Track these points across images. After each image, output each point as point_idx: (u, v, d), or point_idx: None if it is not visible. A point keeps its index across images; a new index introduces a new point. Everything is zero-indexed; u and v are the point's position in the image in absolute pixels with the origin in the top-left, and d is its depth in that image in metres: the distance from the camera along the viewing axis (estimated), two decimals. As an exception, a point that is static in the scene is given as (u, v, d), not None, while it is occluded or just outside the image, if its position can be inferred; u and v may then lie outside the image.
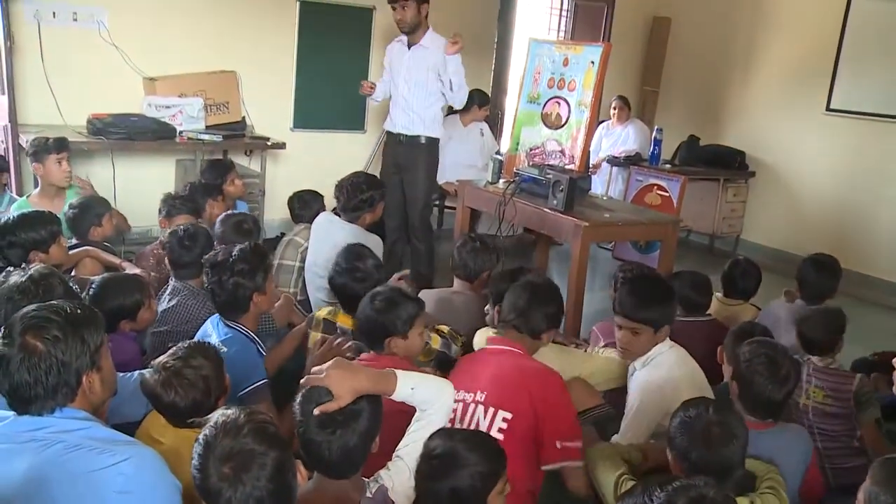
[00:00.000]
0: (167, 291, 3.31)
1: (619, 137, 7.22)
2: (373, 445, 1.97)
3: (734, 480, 2.12)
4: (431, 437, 1.99)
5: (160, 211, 4.03)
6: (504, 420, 2.40)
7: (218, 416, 1.68)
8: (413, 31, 4.89)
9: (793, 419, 2.97)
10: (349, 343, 2.88)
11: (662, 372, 2.79)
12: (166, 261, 3.43)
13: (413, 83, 4.95)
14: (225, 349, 2.66)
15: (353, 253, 3.26)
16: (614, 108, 7.28)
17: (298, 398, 1.95)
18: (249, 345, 2.76)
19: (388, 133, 5.18)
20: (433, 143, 5.08)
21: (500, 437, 2.33)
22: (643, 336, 2.85)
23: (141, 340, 3.10)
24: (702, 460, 2.07)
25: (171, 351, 2.25)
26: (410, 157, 5.02)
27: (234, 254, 2.81)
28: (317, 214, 4.26)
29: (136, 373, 2.46)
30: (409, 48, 4.95)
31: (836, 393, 3.01)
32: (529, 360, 2.63)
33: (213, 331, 2.80)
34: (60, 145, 4.25)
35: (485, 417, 2.42)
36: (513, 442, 2.32)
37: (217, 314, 2.85)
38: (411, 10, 4.80)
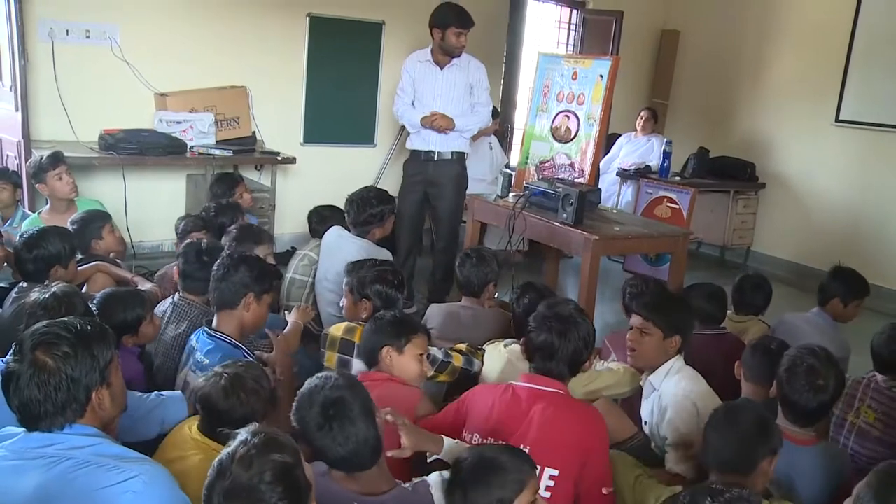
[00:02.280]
0: (169, 311, 3.21)
1: (641, 147, 7.23)
2: (380, 428, 2.01)
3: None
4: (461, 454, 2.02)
5: (177, 231, 4.03)
6: (551, 478, 2.30)
7: (241, 439, 1.62)
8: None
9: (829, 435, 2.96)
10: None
11: (689, 385, 2.77)
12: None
13: (450, 102, 4.91)
14: (207, 361, 2.69)
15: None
16: (641, 118, 7.31)
17: (294, 407, 2.01)
18: (234, 350, 2.76)
19: (414, 151, 5.10)
20: (461, 156, 5.07)
21: (546, 494, 2.28)
22: (651, 339, 2.84)
23: (144, 357, 3.12)
24: (723, 446, 2.20)
25: (225, 363, 2.27)
26: (441, 172, 4.99)
27: (252, 255, 2.92)
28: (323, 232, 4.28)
29: (154, 394, 2.48)
30: (441, 68, 4.92)
31: (889, 419, 2.90)
32: (574, 407, 2.48)
33: (196, 344, 2.82)
34: (55, 160, 4.26)
35: None
36: (557, 500, 2.29)
37: (200, 329, 2.87)
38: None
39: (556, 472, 2.28)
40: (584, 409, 2.48)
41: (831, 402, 2.53)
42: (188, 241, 3.38)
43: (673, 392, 2.79)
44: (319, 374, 2.08)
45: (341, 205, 4.14)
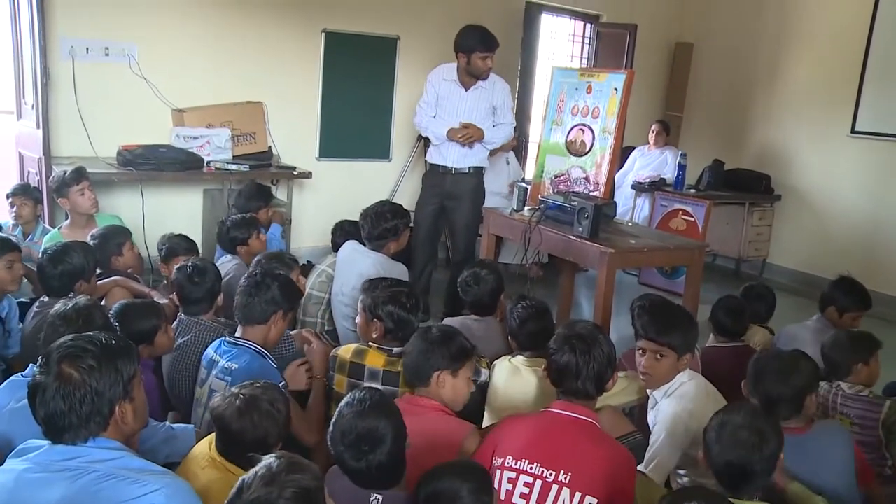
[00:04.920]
0: (176, 330, 3.22)
1: (655, 160, 7.23)
2: (406, 454, 2.13)
3: (754, 487, 2.15)
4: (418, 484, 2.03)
5: (159, 251, 3.98)
6: None
7: (266, 461, 1.66)
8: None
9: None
10: None
11: (687, 404, 2.76)
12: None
13: (473, 122, 4.93)
14: (235, 366, 2.72)
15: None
16: (653, 132, 7.31)
17: (331, 430, 2.09)
18: (258, 356, 2.80)
19: (433, 164, 5.14)
20: (479, 171, 5.11)
21: None
22: (666, 361, 2.83)
23: (158, 369, 3.15)
24: (721, 458, 2.14)
25: (241, 384, 2.25)
26: (459, 185, 5.03)
27: (281, 272, 3.02)
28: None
29: (167, 426, 2.53)
30: (466, 89, 4.95)
31: (863, 421, 3.00)
32: (611, 443, 2.41)
33: (217, 356, 2.83)
34: (79, 175, 4.31)
35: (570, 502, 2.24)
36: None
37: (219, 340, 2.91)
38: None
39: (594, 501, 2.23)
40: (616, 448, 2.40)
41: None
42: (178, 266, 3.36)
43: (664, 410, 2.81)
44: (356, 396, 2.13)
45: (357, 219, 4.15)
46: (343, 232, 4.48)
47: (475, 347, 2.74)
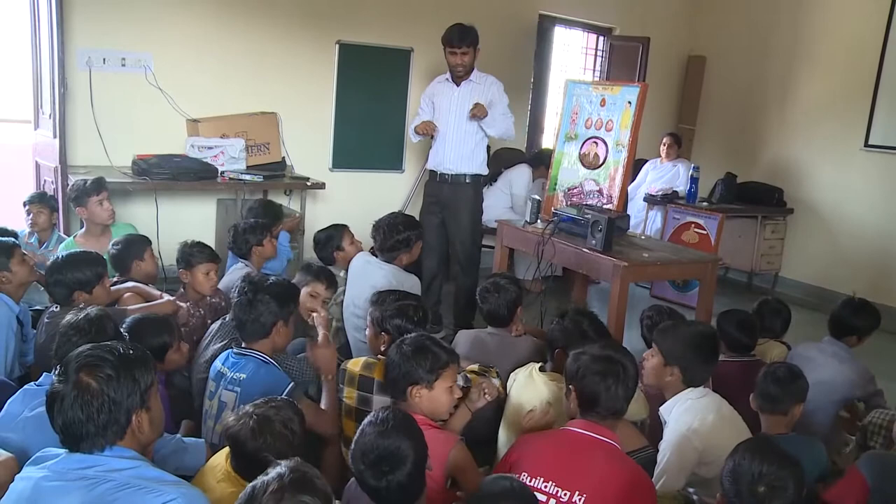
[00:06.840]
0: (215, 329, 3.24)
1: (667, 173, 7.22)
2: (426, 475, 2.10)
3: None
4: None
5: (178, 262, 3.89)
6: None
7: (277, 473, 1.66)
8: (466, 74, 5.02)
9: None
10: None
11: (692, 423, 2.74)
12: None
13: (462, 118, 4.99)
14: (243, 376, 2.73)
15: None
16: (664, 145, 7.30)
17: (353, 447, 2.08)
18: (264, 364, 2.80)
19: (431, 172, 5.20)
20: (477, 181, 5.12)
21: None
22: (652, 360, 2.93)
23: (172, 384, 3.16)
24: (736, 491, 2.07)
25: (257, 402, 2.25)
26: (455, 195, 5.06)
27: (272, 279, 2.97)
28: (332, 253, 4.30)
29: (177, 438, 2.55)
30: (457, 85, 5.04)
31: None
32: (631, 467, 2.34)
33: (225, 368, 2.83)
34: (99, 186, 4.38)
35: None
36: None
37: (226, 352, 2.91)
38: (470, 56, 4.97)
39: None
40: (638, 474, 2.34)
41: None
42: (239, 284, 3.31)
43: (671, 428, 2.80)
44: (380, 415, 2.11)
45: (368, 230, 4.14)
46: (315, 243, 4.46)
47: (454, 354, 2.68)
